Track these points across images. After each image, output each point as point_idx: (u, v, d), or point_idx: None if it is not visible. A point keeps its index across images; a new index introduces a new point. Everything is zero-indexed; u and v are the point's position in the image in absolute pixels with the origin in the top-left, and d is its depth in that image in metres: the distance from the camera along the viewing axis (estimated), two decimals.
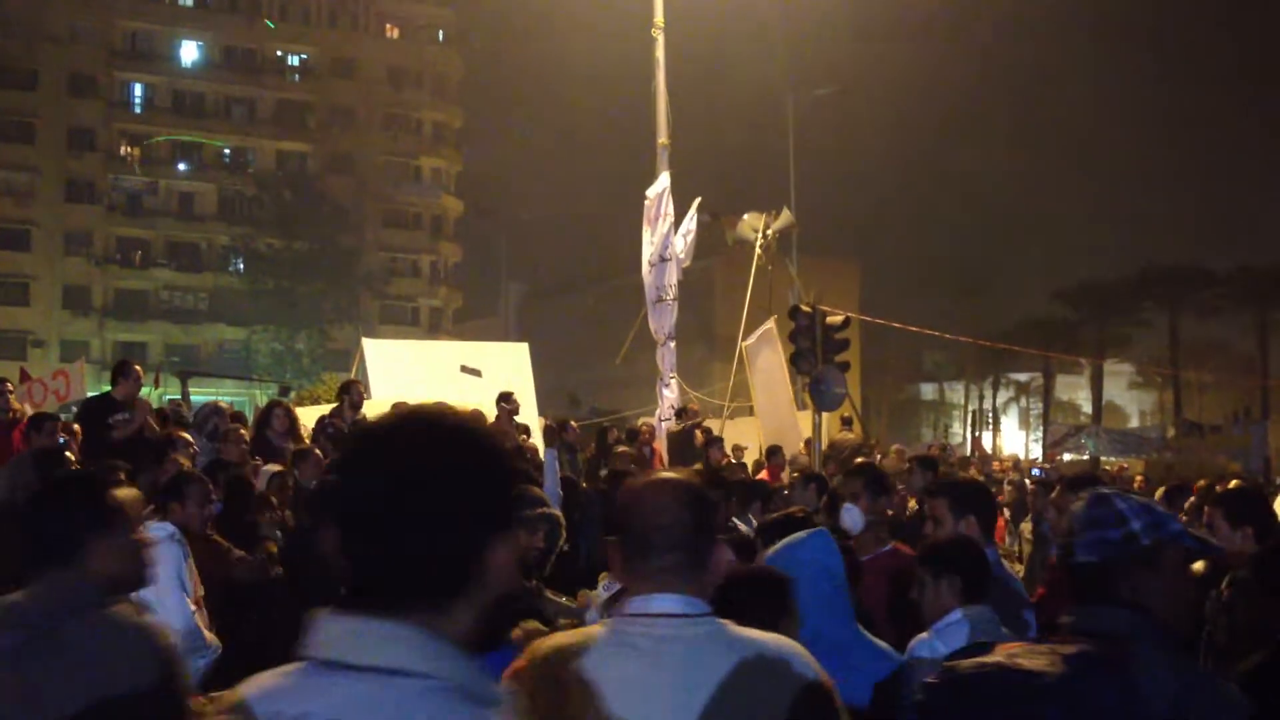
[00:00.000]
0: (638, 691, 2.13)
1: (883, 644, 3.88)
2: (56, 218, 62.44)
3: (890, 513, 9.74)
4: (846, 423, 17.78)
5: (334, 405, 12.63)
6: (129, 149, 64.77)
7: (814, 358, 16.54)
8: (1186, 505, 9.95)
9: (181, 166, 66.27)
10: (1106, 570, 2.31)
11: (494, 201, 74.53)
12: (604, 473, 11.89)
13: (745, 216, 21.66)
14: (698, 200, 17.48)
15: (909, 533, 8.61)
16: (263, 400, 19.58)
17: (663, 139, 17.92)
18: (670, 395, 17.05)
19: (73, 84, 62.86)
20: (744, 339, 19.60)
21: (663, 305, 17.14)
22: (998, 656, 2.28)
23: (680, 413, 15.84)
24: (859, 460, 9.82)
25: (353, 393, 12.19)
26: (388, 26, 71.05)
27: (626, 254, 19.04)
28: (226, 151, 67.11)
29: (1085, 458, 31.32)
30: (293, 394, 20.88)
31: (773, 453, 14.82)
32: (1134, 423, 63.99)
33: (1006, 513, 13.63)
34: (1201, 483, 12.09)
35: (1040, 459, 32.76)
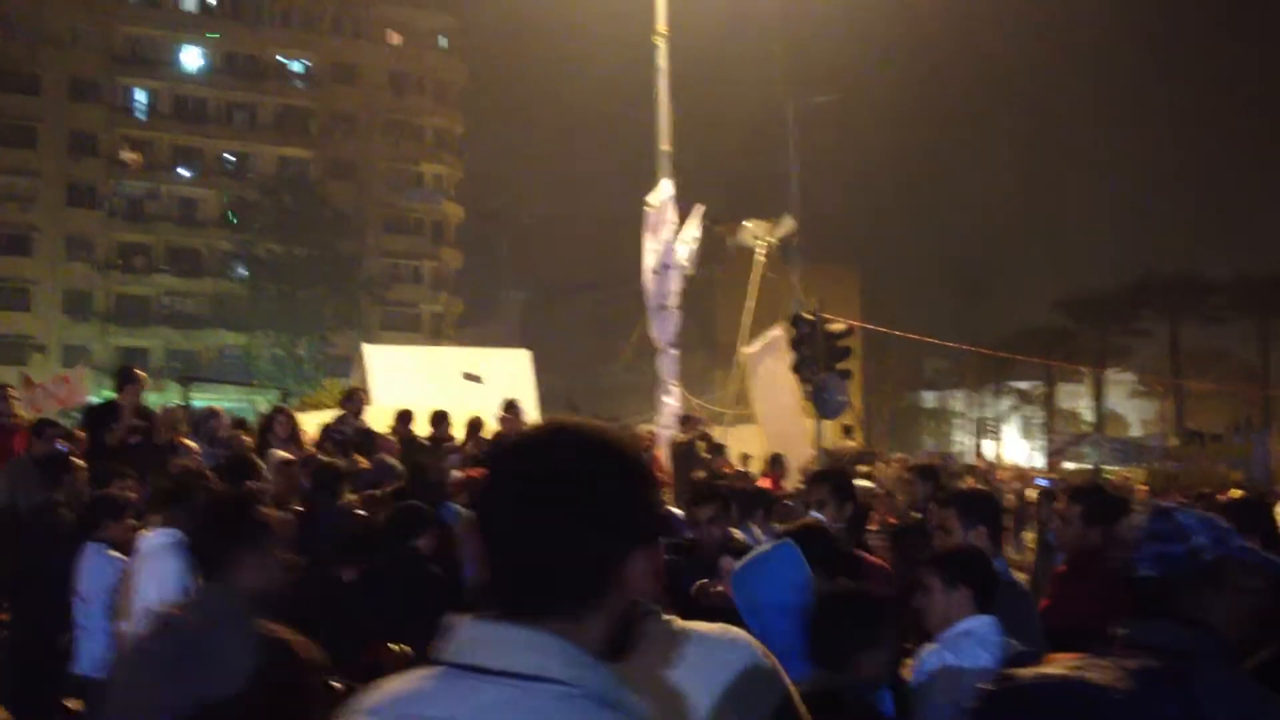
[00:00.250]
0: None
1: None
2: (58, 223, 62.47)
3: (892, 520, 9.73)
4: (847, 431, 17.78)
5: (335, 411, 12.66)
6: (130, 154, 64.82)
7: (816, 365, 16.55)
8: None
9: (183, 172, 66.35)
10: (1168, 585, 2.28)
11: (495, 207, 74.60)
12: None
13: (747, 224, 21.67)
14: (702, 208, 17.49)
15: (909, 542, 8.59)
16: (264, 406, 19.59)
17: (665, 146, 17.93)
18: (672, 403, 17.03)
19: (75, 89, 62.93)
20: (745, 346, 19.60)
21: (665, 313, 17.12)
22: (1059, 668, 2.24)
23: (684, 420, 15.82)
24: (818, 470, 9.81)
25: (355, 400, 12.23)
26: (389, 32, 71.15)
27: (628, 261, 19.04)
28: (228, 157, 67.20)
29: (1087, 467, 31.29)
30: (294, 400, 20.87)
31: (775, 461, 14.81)
32: (1136, 431, 63.91)
33: (1009, 522, 13.62)
34: (1204, 491, 12.09)
35: (1044, 468, 32.74)
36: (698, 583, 5.50)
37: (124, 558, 6.22)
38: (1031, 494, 15.99)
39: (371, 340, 33.78)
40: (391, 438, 11.36)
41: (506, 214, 75.75)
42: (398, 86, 69.88)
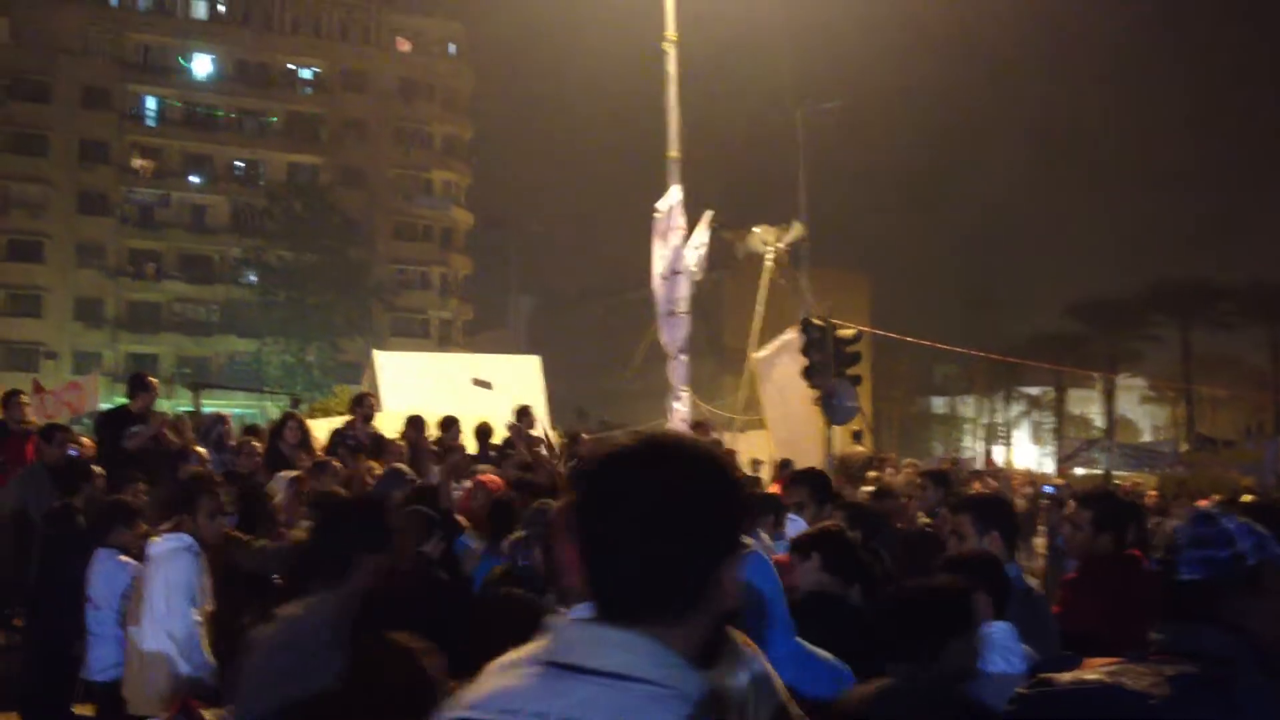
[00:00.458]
0: None
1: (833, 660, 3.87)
2: (69, 230, 62.70)
3: (900, 526, 9.70)
4: (857, 436, 17.75)
5: (345, 417, 12.66)
6: (141, 161, 65.07)
7: (826, 371, 16.53)
8: None
9: (193, 179, 66.57)
10: (1211, 589, 2.27)
11: (504, 214, 74.75)
12: None
13: (756, 229, 21.68)
14: (709, 214, 17.48)
15: (919, 548, 8.57)
16: (274, 412, 19.63)
17: (673, 152, 17.92)
18: (682, 408, 17.02)
19: (86, 96, 63.18)
20: (755, 352, 19.60)
21: (674, 319, 17.10)
22: (1096, 674, 2.23)
23: (697, 426, 15.82)
24: (795, 470, 9.78)
25: (365, 405, 12.23)
26: (399, 40, 71.35)
27: (637, 267, 19.05)
28: (238, 164, 67.42)
29: (1098, 472, 31.18)
30: (304, 406, 20.90)
31: (784, 466, 14.78)
32: (1147, 437, 63.71)
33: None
34: (1216, 498, 12.04)
35: (1053, 473, 32.64)
36: None
37: (136, 563, 6.24)
38: (1042, 500, 15.96)
39: (381, 347, 33.82)
40: (401, 443, 11.36)
41: (515, 220, 76.00)
42: (407, 93, 70.04)
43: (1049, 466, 48.82)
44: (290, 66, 68.86)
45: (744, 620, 3.15)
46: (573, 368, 48.83)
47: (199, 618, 5.81)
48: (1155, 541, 5.44)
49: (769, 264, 21.06)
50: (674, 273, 16.91)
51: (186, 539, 5.93)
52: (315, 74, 69.35)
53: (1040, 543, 14.01)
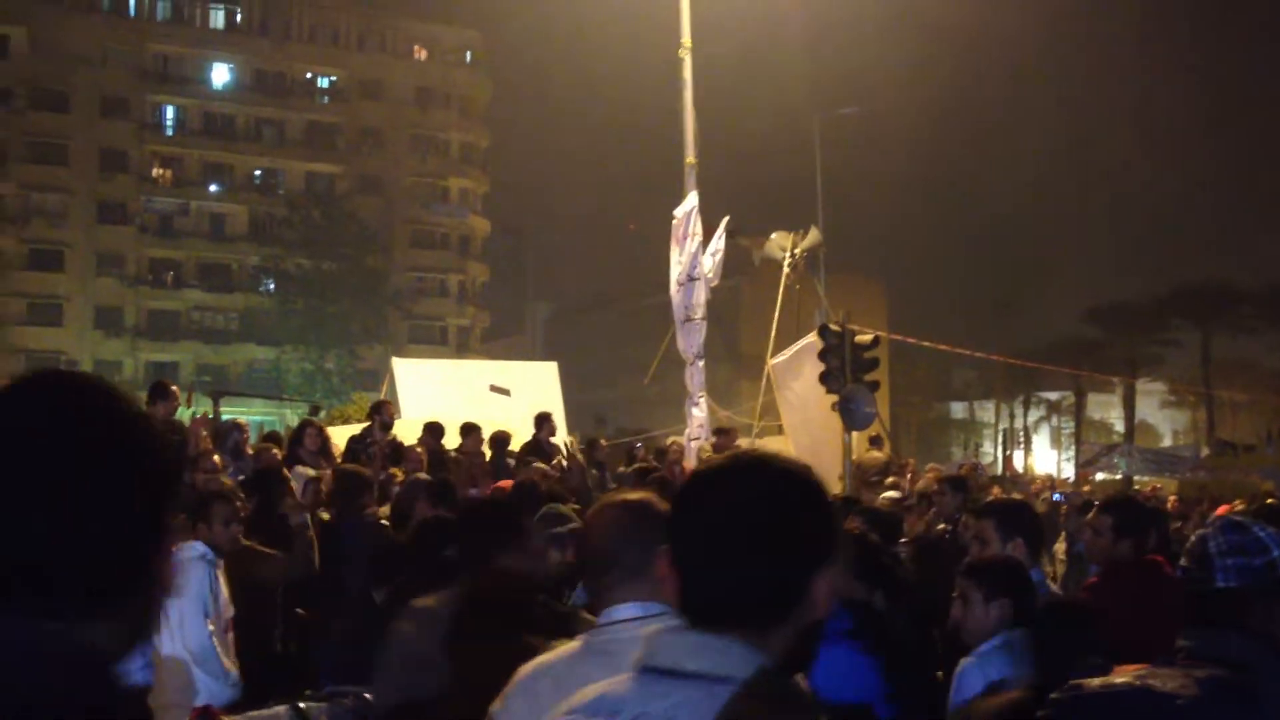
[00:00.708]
0: None
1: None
2: (89, 239, 63.08)
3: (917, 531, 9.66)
4: (875, 442, 17.69)
5: (364, 424, 12.70)
6: (160, 170, 65.46)
7: (843, 377, 16.50)
8: None
9: (212, 188, 66.92)
10: (1244, 597, 2.30)
11: (521, 221, 74.90)
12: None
13: (773, 235, 21.64)
14: (726, 219, 17.48)
15: (939, 554, 8.53)
16: (293, 420, 19.69)
17: (690, 159, 17.94)
18: (699, 414, 17.01)
19: (105, 106, 63.56)
20: (772, 358, 19.55)
21: (691, 325, 17.11)
22: (1126, 677, 2.28)
23: (721, 433, 15.80)
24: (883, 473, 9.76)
25: (384, 412, 12.26)
26: (415, 48, 71.60)
27: (653, 273, 19.06)
28: (257, 173, 67.75)
29: (1118, 477, 31.03)
30: (323, 413, 20.97)
31: None
32: (1167, 441, 63.41)
33: None
34: (1240, 504, 11.97)
35: (1073, 478, 32.49)
36: None
37: None
38: (1061, 505, 15.86)
39: (399, 354, 33.90)
40: (419, 450, 11.38)
41: (532, 228, 76.13)
42: (424, 102, 70.26)
43: (1068, 472, 48.61)
44: (308, 75, 69.18)
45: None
46: (590, 374, 48.89)
47: (212, 626, 5.83)
48: (1175, 547, 5.42)
49: (786, 270, 21.02)
50: (691, 279, 16.92)
51: (200, 547, 5.95)
52: (332, 83, 69.64)
53: (1060, 548, 13.92)
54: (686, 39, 18.04)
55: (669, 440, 17.69)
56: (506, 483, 9.45)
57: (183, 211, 65.98)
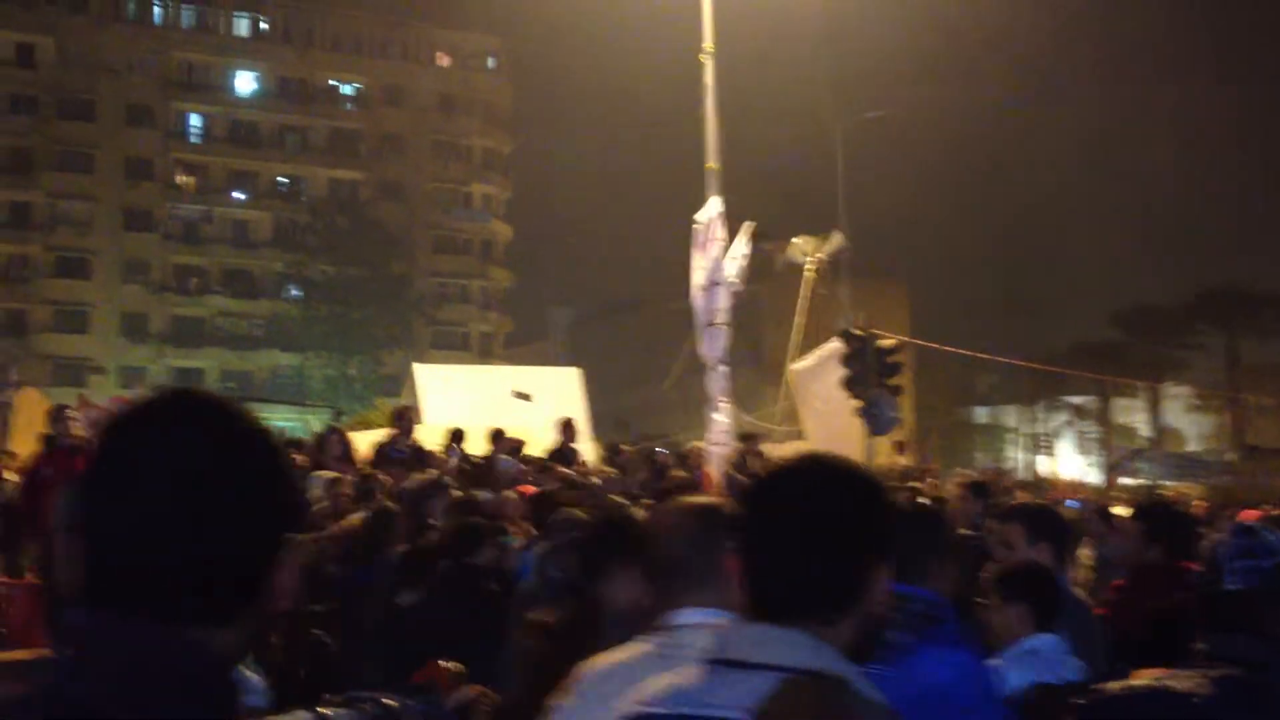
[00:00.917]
0: None
1: None
2: (115, 246, 63.57)
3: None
4: (900, 447, 17.63)
5: (388, 430, 12.73)
6: (185, 178, 65.91)
7: (866, 382, 16.45)
8: None
9: (236, 195, 67.32)
10: (1253, 599, 2.37)
11: (543, 227, 75.03)
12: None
13: (795, 240, 21.62)
14: (749, 225, 17.44)
15: (962, 560, 8.46)
16: (317, 425, 19.76)
17: (712, 163, 17.91)
18: (721, 420, 16.97)
19: (130, 114, 64.07)
20: (793, 363, 19.52)
21: (713, 330, 17.05)
22: (1144, 679, 2.34)
23: (746, 439, 15.75)
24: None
25: (406, 418, 12.29)
26: (438, 54, 71.89)
27: (676, 278, 19.03)
28: (281, 180, 68.13)
29: (1144, 482, 30.83)
30: (346, 419, 21.04)
31: None
32: (1193, 446, 62.93)
33: None
34: (1268, 509, 11.85)
35: (1099, 483, 32.28)
36: None
37: None
38: (1086, 510, 15.75)
39: (422, 359, 33.99)
40: (442, 456, 11.41)
41: (554, 233, 76.27)
42: (446, 108, 70.53)
43: (1094, 477, 48.31)
44: (331, 82, 69.56)
45: None
46: (613, 379, 48.84)
47: None
48: (1201, 553, 5.40)
49: (808, 274, 20.99)
50: (713, 284, 16.87)
51: None
52: (356, 89, 69.99)
53: (1086, 553, 13.84)
54: (708, 43, 18.01)
55: (690, 445, 17.67)
56: (527, 488, 9.45)
57: (207, 218, 66.43)
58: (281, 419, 40.64)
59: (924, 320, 53.08)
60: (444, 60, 71.96)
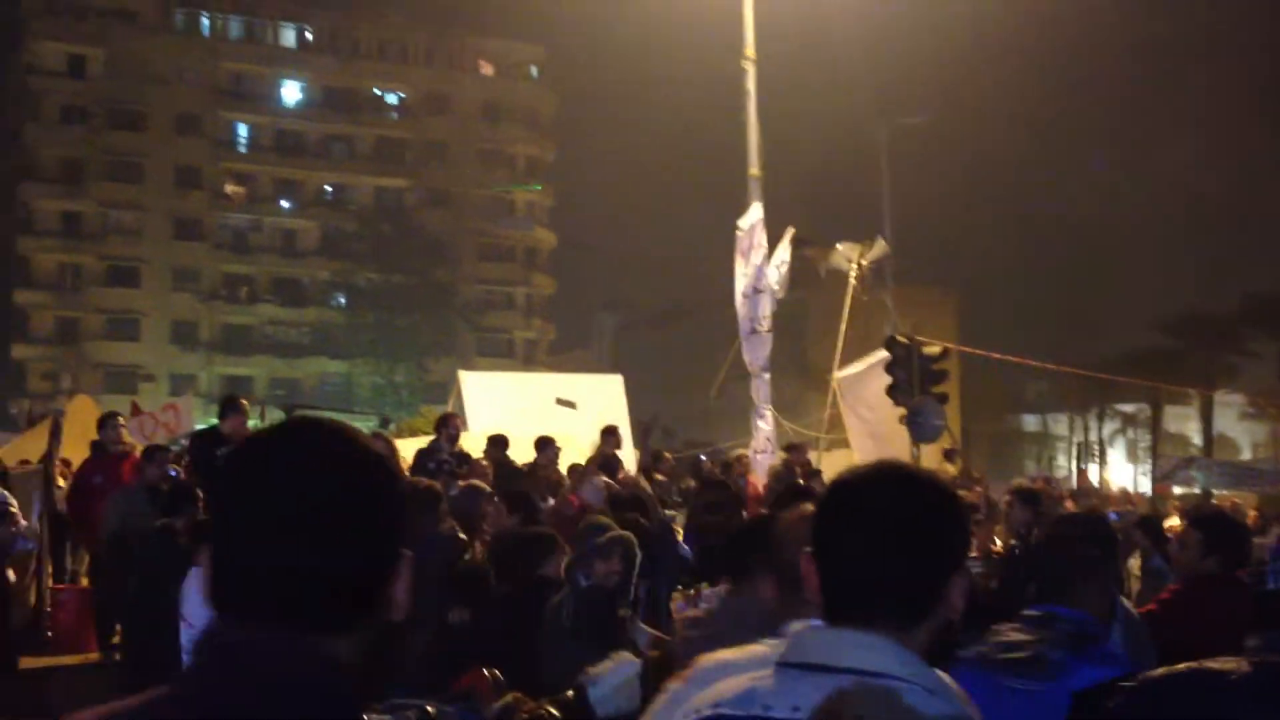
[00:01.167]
0: None
1: None
2: (165, 255, 64.43)
3: (996, 548, 9.51)
4: (949, 455, 17.47)
5: (431, 437, 12.77)
6: (234, 187, 66.73)
7: (911, 389, 16.32)
8: None
9: (284, 204, 68.06)
10: None
11: (587, 234, 75.28)
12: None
13: (839, 246, 21.49)
14: (791, 231, 17.39)
15: (1006, 569, 8.38)
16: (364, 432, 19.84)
17: (754, 170, 17.88)
18: (765, 427, 16.92)
19: (179, 124, 64.96)
20: (838, 370, 19.40)
21: (757, 337, 17.02)
22: (1187, 664, 2.38)
23: (791, 449, 15.68)
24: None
25: (450, 425, 12.31)
26: (482, 63, 72.35)
27: (719, 285, 18.99)
28: (327, 188, 68.82)
29: (1196, 491, 30.37)
30: (392, 426, 21.17)
31: None
32: (1246, 455, 61.97)
33: None
34: None
35: (1149, 492, 31.83)
36: None
37: None
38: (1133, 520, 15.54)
39: (467, 366, 34.13)
40: (485, 463, 11.42)
41: (598, 240, 76.42)
42: (490, 116, 70.97)
43: (1145, 485, 47.66)
44: (376, 91, 70.19)
45: None
46: (656, 386, 48.78)
47: None
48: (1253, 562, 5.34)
49: (852, 281, 20.85)
50: (756, 291, 16.84)
51: None
52: (400, 98, 70.59)
53: (1135, 564, 13.64)
54: (750, 49, 17.99)
55: (734, 453, 17.61)
56: (574, 497, 9.44)
57: (256, 227, 67.21)
58: None
59: (973, 327, 52.70)
60: (487, 69, 72.41)
